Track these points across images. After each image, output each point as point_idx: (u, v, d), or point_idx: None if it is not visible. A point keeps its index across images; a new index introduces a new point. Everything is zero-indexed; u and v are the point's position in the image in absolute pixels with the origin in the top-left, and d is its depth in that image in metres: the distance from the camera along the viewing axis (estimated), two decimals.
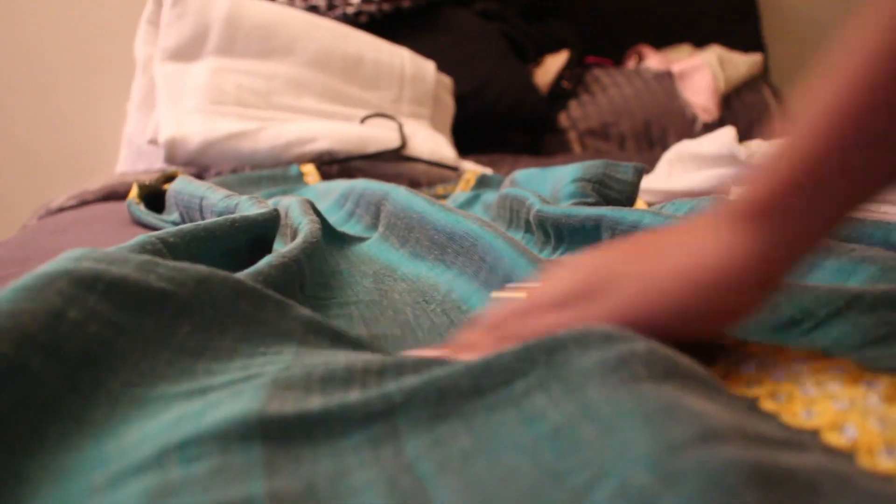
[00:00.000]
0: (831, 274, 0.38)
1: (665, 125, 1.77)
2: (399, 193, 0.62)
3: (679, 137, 1.73)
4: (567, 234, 0.60)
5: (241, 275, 0.39)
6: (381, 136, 1.18)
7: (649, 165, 1.38)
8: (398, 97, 1.36)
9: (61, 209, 1.04)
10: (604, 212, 0.56)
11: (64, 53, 1.80)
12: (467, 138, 1.60)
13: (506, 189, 0.73)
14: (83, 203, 1.05)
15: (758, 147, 0.77)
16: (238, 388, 0.27)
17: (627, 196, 0.69)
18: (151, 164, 1.27)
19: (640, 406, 0.21)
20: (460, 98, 1.57)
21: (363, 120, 1.25)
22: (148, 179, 0.95)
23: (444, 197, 1.04)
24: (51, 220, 0.87)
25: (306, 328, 0.36)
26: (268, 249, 0.51)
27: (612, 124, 1.76)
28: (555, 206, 0.61)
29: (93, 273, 0.30)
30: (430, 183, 1.14)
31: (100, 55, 1.81)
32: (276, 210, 0.51)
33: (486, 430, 0.23)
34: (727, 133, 0.82)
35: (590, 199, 0.65)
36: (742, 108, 1.84)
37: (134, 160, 1.30)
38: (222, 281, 0.35)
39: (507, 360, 0.25)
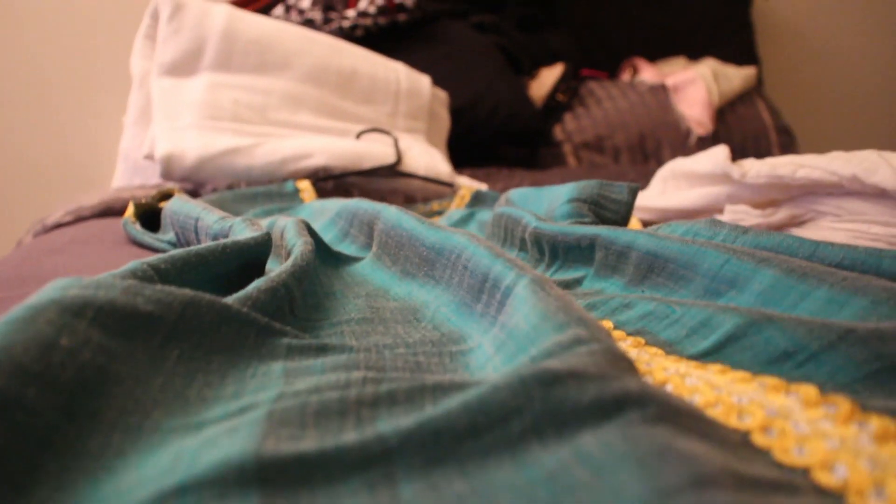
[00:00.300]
0: (822, 305, 0.38)
1: (659, 138, 1.78)
2: (389, 212, 0.62)
3: (673, 151, 1.74)
4: (562, 252, 0.60)
5: (230, 299, 0.39)
6: (376, 151, 1.18)
7: (644, 179, 1.39)
8: (394, 112, 1.37)
9: (57, 225, 1.04)
10: (599, 231, 0.56)
11: (61, 66, 1.80)
12: (462, 151, 1.60)
13: (501, 208, 0.73)
14: (79, 219, 1.05)
15: (751, 166, 0.77)
16: (233, 423, 0.28)
17: (622, 216, 0.69)
18: (147, 179, 1.27)
19: (633, 450, 0.22)
20: (455, 112, 1.58)
21: (359, 135, 1.26)
22: (144, 198, 0.96)
23: (440, 213, 1.04)
24: (47, 237, 0.87)
25: (289, 349, 0.37)
26: (260, 272, 0.51)
27: (606, 137, 1.77)
28: (551, 224, 0.62)
29: (81, 300, 0.30)
30: (426, 199, 1.15)
31: (97, 68, 1.81)
32: (268, 234, 0.52)
33: (481, 473, 0.23)
34: (720, 151, 0.82)
35: (586, 219, 0.66)
36: (736, 122, 1.85)
37: (130, 175, 1.31)
38: (208, 304, 0.35)
39: (503, 396, 0.26)
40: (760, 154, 1.80)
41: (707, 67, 1.87)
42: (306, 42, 1.33)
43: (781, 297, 0.40)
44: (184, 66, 1.23)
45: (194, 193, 1.11)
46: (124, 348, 0.31)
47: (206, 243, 0.62)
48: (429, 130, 1.43)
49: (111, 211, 1.06)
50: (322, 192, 1.11)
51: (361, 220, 0.68)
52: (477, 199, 1.06)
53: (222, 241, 0.48)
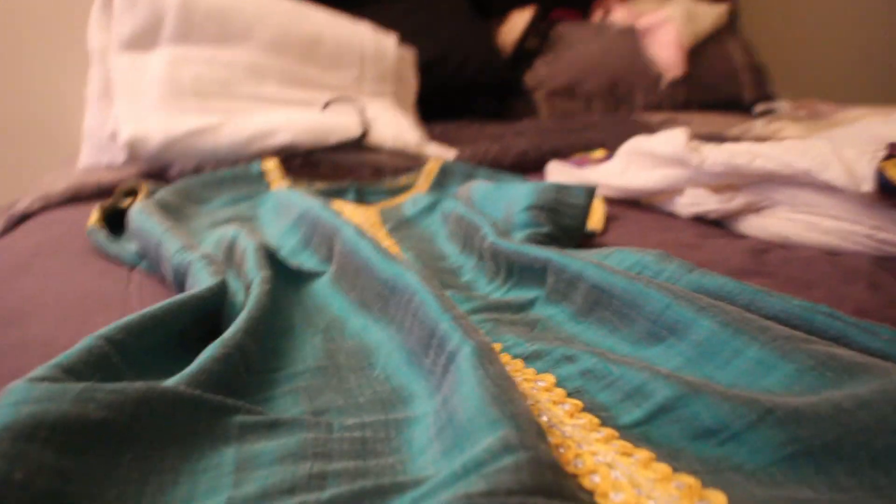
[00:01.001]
0: (753, 365, 0.40)
1: (631, 83, 1.77)
2: (347, 233, 0.63)
3: (646, 95, 1.74)
4: (517, 271, 0.62)
5: (185, 375, 0.40)
6: (342, 124, 1.17)
7: (614, 129, 1.39)
8: (360, 76, 1.35)
9: (26, 214, 1.04)
10: (550, 256, 0.58)
11: (24, 35, 1.75)
12: (433, 105, 1.59)
13: (462, 209, 0.74)
14: (47, 206, 1.05)
15: (709, 153, 0.78)
16: None
17: (580, 220, 0.70)
18: (114, 158, 1.25)
19: None
20: (424, 66, 1.56)
21: (325, 105, 1.25)
22: (110, 190, 0.96)
23: (407, 188, 1.05)
24: (13, 242, 0.87)
25: (241, 428, 0.38)
26: (217, 318, 0.52)
27: (578, 83, 1.76)
28: (507, 241, 0.63)
29: (33, 421, 0.32)
30: (395, 171, 1.15)
31: (63, 37, 1.77)
32: (223, 282, 0.53)
33: None
34: (679, 136, 0.83)
35: (543, 229, 0.67)
36: (707, 62, 1.83)
37: (96, 153, 1.29)
38: (160, 397, 0.37)
39: None
40: (731, 94, 1.80)
41: (679, 7, 1.84)
42: (267, 9, 1.30)
43: (716, 351, 0.42)
44: (143, 40, 1.21)
45: (161, 176, 1.11)
46: (78, 465, 0.32)
47: (167, 270, 0.63)
48: (395, 93, 1.42)
49: (79, 196, 1.06)
50: (290, 169, 1.11)
51: (322, 233, 0.69)
52: (444, 174, 1.06)
53: (178, 298, 0.49)
